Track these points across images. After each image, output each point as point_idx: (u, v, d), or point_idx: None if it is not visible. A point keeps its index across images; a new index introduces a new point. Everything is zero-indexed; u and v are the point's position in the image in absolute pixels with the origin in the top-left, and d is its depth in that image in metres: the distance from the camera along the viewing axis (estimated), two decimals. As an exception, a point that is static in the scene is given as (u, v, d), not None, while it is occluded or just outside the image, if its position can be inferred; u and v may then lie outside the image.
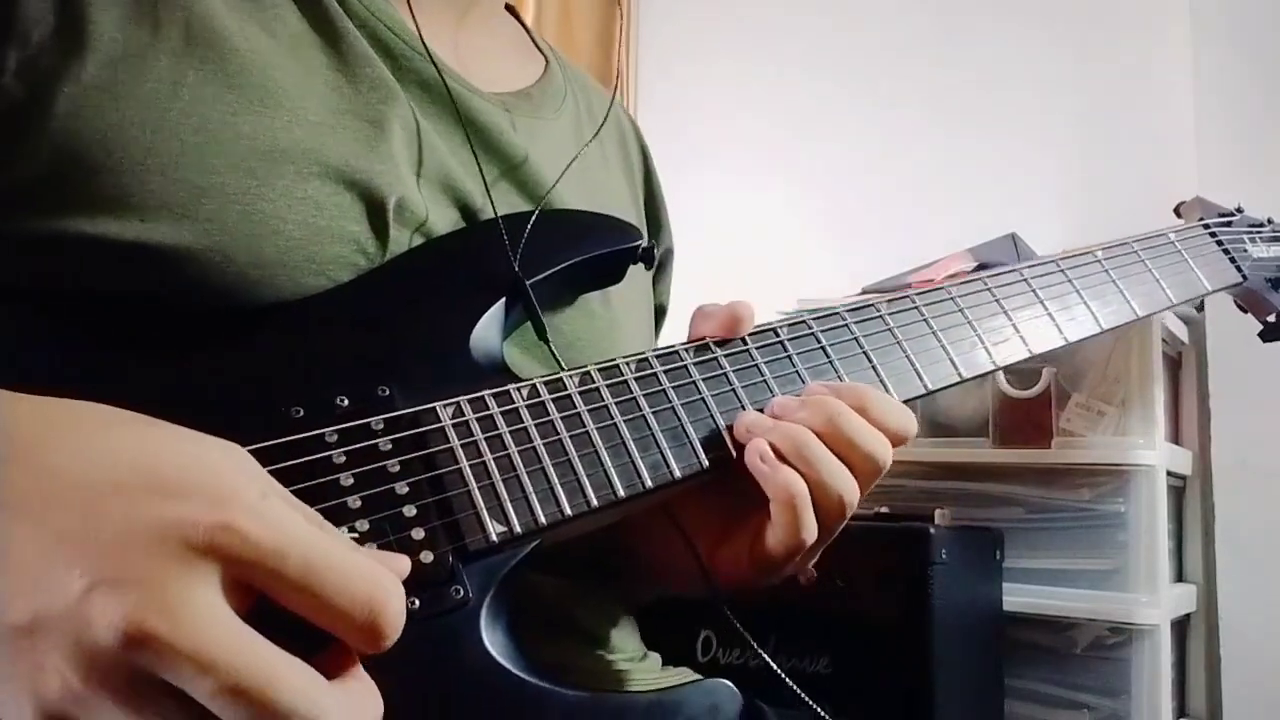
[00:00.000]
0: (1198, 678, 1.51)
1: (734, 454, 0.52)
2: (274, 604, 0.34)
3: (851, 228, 1.87)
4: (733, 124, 2.06)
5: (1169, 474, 1.36)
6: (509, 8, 0.73)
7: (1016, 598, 1.32)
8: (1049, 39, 1.76)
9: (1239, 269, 0.85)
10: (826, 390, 0.53)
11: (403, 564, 0.38)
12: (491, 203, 0.58)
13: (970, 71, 1.82)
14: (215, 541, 0.32)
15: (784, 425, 0.51)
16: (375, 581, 0.35)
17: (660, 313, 0.81)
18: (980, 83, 1.80)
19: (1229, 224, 0.88)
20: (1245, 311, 0.95)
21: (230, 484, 0.34)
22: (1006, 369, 0.62)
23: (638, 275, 0.69)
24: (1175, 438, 1.53)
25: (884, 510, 1.33)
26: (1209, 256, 0.83)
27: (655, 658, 0.69)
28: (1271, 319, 0.93)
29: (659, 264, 0.81)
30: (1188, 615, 1.51)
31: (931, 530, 1.16)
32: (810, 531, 0.51)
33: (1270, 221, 0.95)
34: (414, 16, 0.59)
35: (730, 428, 0.52)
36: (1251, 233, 0.90)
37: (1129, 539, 1.30)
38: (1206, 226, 0.86)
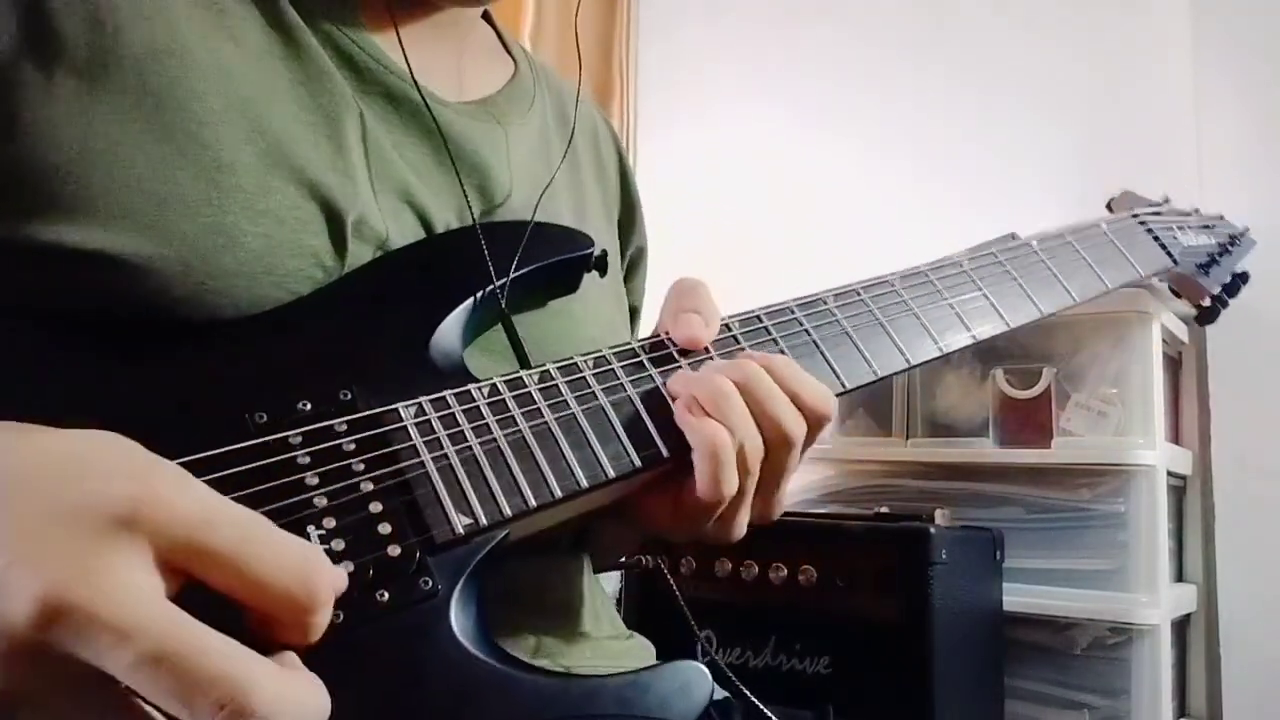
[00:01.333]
0: (1198, 678, 1.51)
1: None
2: (200, 586, 0.33)
3: (850, 227, 1.87)
4: (731, 125, 2.06)
5: (1169, 474, 1.37)
6: (485, 16, 0.73)
7: (1016, 598, 1.32)
8: (1049, 39, 1.76)
9: (1169, 254, 0.88)
10: (753, 356, 0.55)
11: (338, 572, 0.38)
12: (471, 210, 0.59)
13: (970, 72, 1.82)
14: (140, 513, 0.32)
15: (704, 376, 0.53)
16: (304, 553, 0.34)
17: (634, 313, 0.81)
18: (980, 83, 1.81)
19: (1158, 214, 0.91)
20: (1179, 296, 0.97)
21: (147, 460, 0.34)
22: (956, 354, 0.65)
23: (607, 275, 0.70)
24: (1175, 438, 1.53)
25: (884, 510, 1.33)
26: (1140, 244, 0.86)
27: (644, 641, 0.69)
28: (1205, 303, 0.95)
29: (631, 264, 0.81)
30: (1188, 615, 1.51)
31: (931, 530, 1.16)
32: (730, 484, 0.51)
33: (1197, 211, 0.97)
34: (397, 30, 0.59)
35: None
36: (1180, 221, 0.93)
37: (1129, 539, 1.30)
38: (1136, 216, 0.87)
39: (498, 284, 0.55)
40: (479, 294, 0.54)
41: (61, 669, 0.30)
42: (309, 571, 0.34)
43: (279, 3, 0.56)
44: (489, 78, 0.69)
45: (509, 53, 0.74)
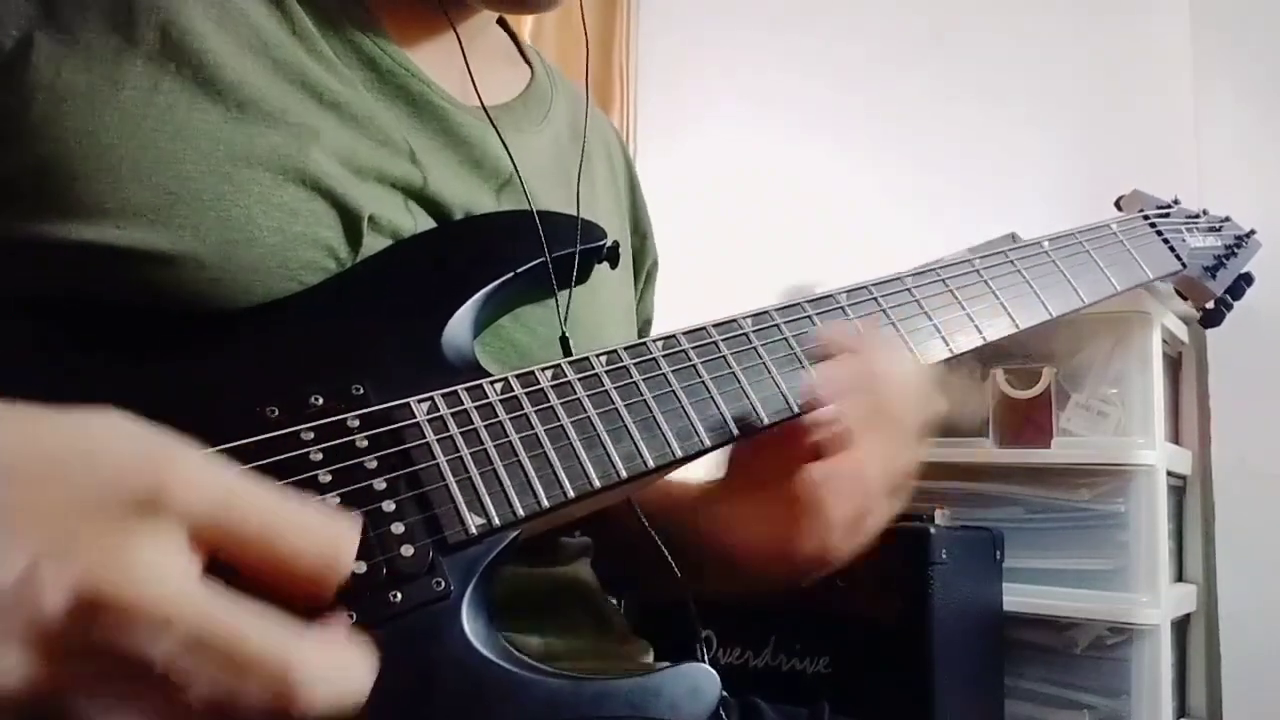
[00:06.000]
0: (1198, 678, 1.51)
1: (735, 433, 0.53)
2: (225, 564, 0.33)
3: (848, 227, 1.87)
4: (729, 126, 2.06)
5: (1169, 474, 1.37)
6: (500, 20, 0.73)
7: (1016, 598, 1.32)
8: (1049, 41, 1.76)
9: (1178, 257, 0.87)
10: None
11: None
12: (527, 196, 0.59)
13: (970, 72, 1.82)
14: (164, 495, 0.31)
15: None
16: (326, 518, 0.34)
17: (646, 326, 0.81)
18: (980, 83, 1.81)
19: (1167, 215, 0.90)
20: (1185, 299, 0.97)
21: (160, 439, 0.33)
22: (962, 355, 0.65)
23: (616, 277, 0.70)
24: (1175, 438, 1.53)
25: (884, 510, 1.33)
26: (1150, 246, 0.85)
27: (644, 644, 0.69)
28: (1210, 305, 0.95)
29: (646, 277, 0.81)
30: (1188, 615, 1.51)
31: (931, 530, 1.16)
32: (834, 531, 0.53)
33: (1205, 213, 0.97)
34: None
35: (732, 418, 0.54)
36: (1189, 223, 0.93)
37: (1129, 539, 1.30)
38: (1146, 218, 0.87)
39: (497, 282, 0.55)
40: (494, 284, 0.54)
41: (101, 659, 0.30)
42: (337, 549, 0.34)
43: (293, 5, 0.56)
44: (506, 83, 0.69)
45: (525, 59, 0.74)
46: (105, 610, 0.29)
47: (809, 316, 0.59)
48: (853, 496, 0.52)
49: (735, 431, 0.53)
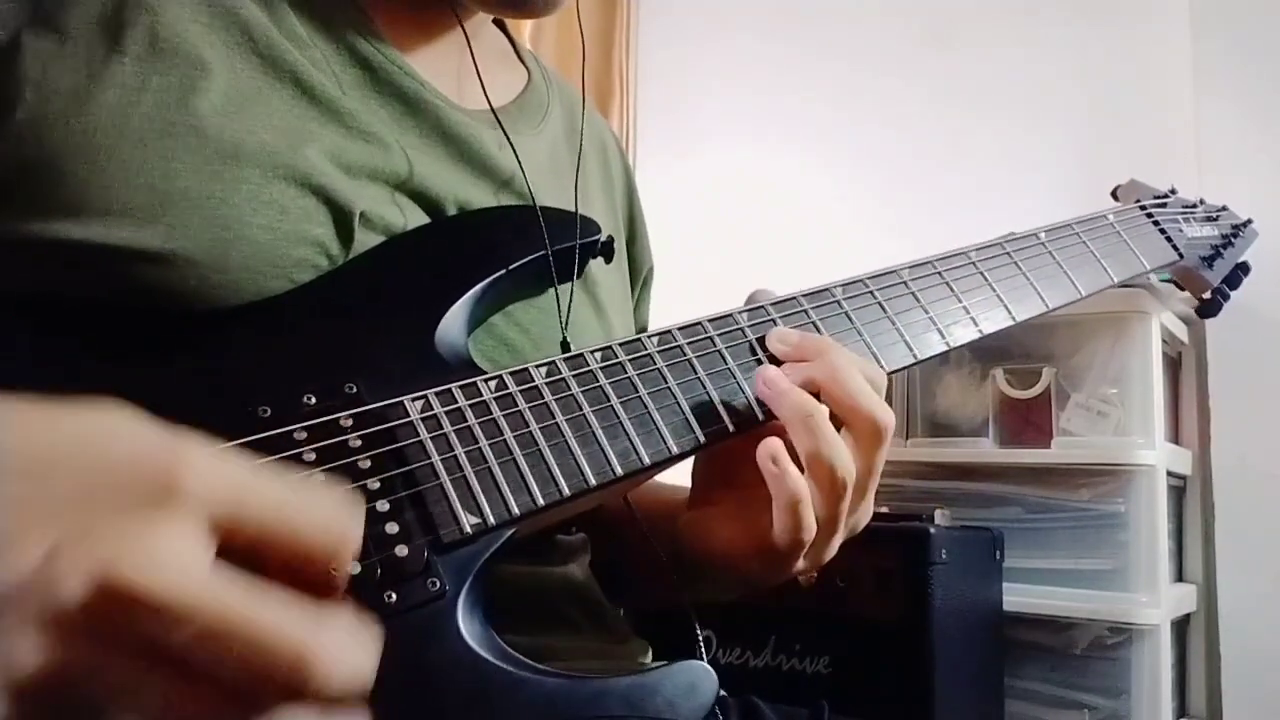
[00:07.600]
0: (1198, 678, 1.51)
1: (731, 429, 0.53)
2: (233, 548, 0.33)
3: (848, 228, 1.87)
4: (730, 129, 2.06)
5: (1169, 474, 1.37)
6: (496, 21, 0.73)
7: (1016, 598, 1.32)
8: (1049, 38, 1.76)
9: (1175, 248, 0.87)
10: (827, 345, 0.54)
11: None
12: (531, 194, 0.58)
13: (969, 76, 1.82)
14: (180, 483, 0.31)
15: (796, 401, 0.51)
16: (335, 502, 0.35)
17: (641, 332, 0.81)
18: (979, 82, 1.81)
19: (1164, 205, 0.90)
20: (1181, 289, 0.96)
21: (169, 435, 0.34)
22: (957, 349, 0.65)
23: (612, 277, 0.70)
24: (1175, 438, 1.53)
25: (884, 510, 1.33)
26: (1147, 236, 0.85)
27: (641, 643, 0.69)
28: (1207, 295, 0.94)
29: (642, 284, 0.81)
30: (1188, 615, 1.51)
31: (931, 530, 1.17)
32: (810, 531, 0.51)
33: (1202, 202, 0.97)
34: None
35: (722, 405, 0.53)
36: (1185, 213, 0.92)
37: (1129, 539, 1.30)
38: (1143, 208, 0.87)
39: (490, 278, 0.54)
40: (487, 280, 0.54)
41: (118, 648, 0.30)
42: (349, 533, 0.34)
43: (281, 5, 0.56)
44: (502, 86, 0.69)
45: (522, 62, 0.74)
46: (125, 598, 0.29)
47: (804, 310, 0.60)
48: (827, 488, 0.51)
49: (730, 427, 0.53)
